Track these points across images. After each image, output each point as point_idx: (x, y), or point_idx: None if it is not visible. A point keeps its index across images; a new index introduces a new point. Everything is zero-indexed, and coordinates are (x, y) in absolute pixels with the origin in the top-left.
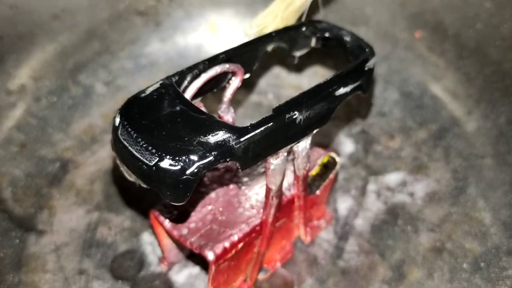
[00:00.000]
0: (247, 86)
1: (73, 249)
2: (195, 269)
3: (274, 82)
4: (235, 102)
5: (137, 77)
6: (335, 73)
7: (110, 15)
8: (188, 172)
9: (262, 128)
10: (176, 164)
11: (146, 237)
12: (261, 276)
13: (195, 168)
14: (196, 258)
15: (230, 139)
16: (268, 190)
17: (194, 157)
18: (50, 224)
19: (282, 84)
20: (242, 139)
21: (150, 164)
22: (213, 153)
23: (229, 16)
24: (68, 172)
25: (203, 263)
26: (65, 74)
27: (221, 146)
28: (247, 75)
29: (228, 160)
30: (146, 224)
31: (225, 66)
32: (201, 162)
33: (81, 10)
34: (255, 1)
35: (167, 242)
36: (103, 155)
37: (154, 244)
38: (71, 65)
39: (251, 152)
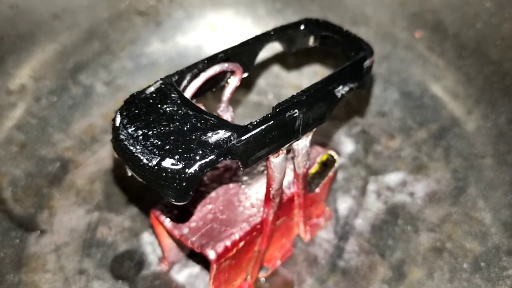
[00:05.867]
0: (247, 86)
1: (73, 249)
2: (196, 269)
3: (274, 82)
4: (235, 101)
5: (137, 77)
6: (334, 71)
7: (110, 15)
8: (189, 171)
9: (263, 127)
10: (178, 163)
11: (146, 237)
12: (261, 274)
13: (197, 167)
14: (196, 257)
15: (232, 137)
16: (268, 188)
17: (195, 156)
18: (50, 224)
19: (282, 84)
20: (243, 138)
21: (152, 164)
22: (214, 151)
23: (229, 16)
24: (68, 172)
25: (204, 263)
26: (65, 74)
27: (222, 145)
28: (246, 74)
29: (229, 158)
30: (146, 224)
31: (224, 65)
32: (202, 161)
33: (82, 10)
34: (255, 1)
35: (167, 241)
36: (103, 155)
37: (154, 244)
38: (72, 65)
39: (252, 151)
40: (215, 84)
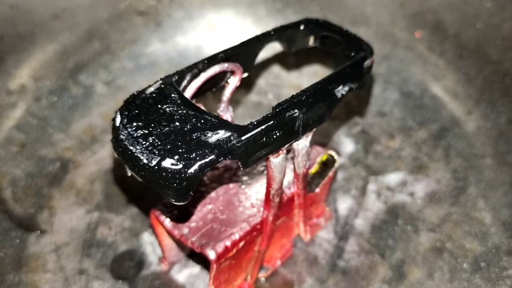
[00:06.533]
0: (247, 86)
1: (73, 249)
2: (196, 269)
3: (274, 82)
4: (235, 101)
5: (137, 77)
6: (334, 71)
7: (110, 15)
8: (189, 171)
9: (263, 127)
10: (178, 163)
11: (146, 237)
12: (261, 274)
13: (197, 167)
14: (196, 257)
15: (232, 137)
16: (268, 188)
17: (195, 156)
18: (50, 224)
19: (282, 84)
20: (243, 138)
21: (152, 164)
22: (214, 151)
23: (229, 16)
24: (68, 172)
25: (204, 263)
26: (66, 74)
27: (222, 145)
28: (246, 74)
29: (229, 158)
30: (146, 224)
31: (224, 66)
32: (202, 161)
33: (82, 10)
34: (255, 1)
35: (167, 242)
36: (103, 155)
37: (154, 244)
38: (72, 65)
39: (252, 151)
40: (215, 84)
